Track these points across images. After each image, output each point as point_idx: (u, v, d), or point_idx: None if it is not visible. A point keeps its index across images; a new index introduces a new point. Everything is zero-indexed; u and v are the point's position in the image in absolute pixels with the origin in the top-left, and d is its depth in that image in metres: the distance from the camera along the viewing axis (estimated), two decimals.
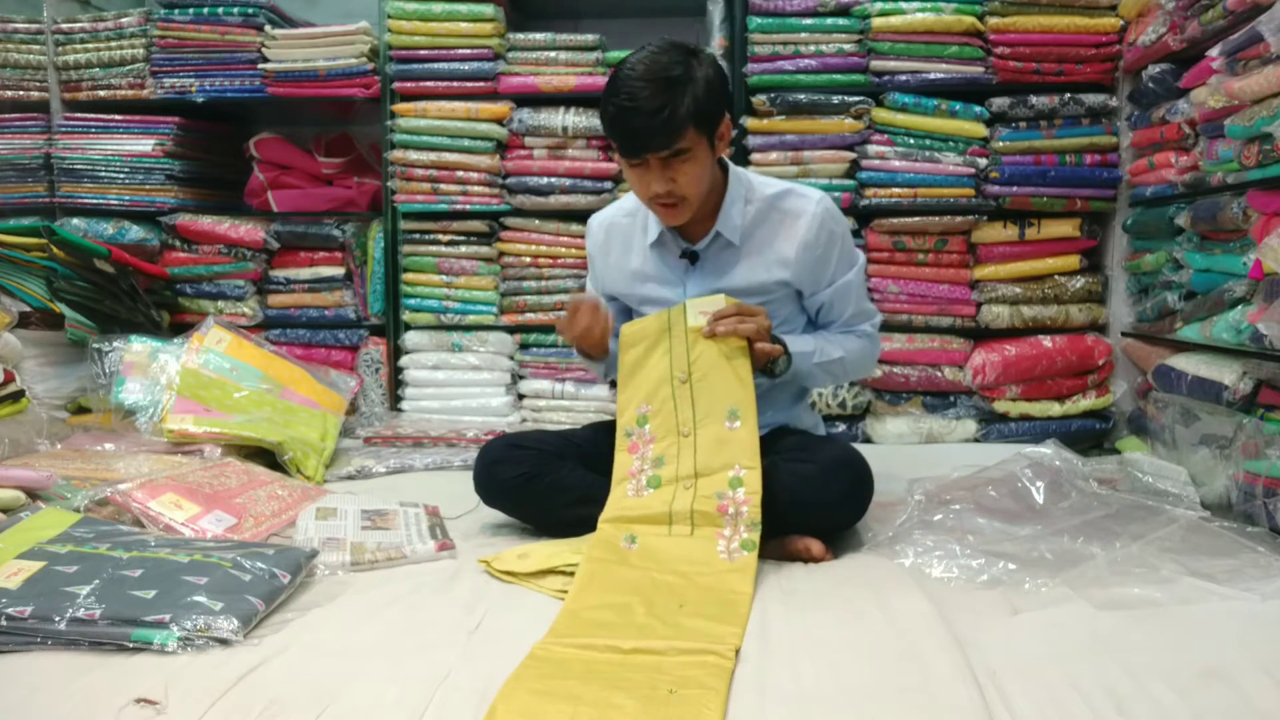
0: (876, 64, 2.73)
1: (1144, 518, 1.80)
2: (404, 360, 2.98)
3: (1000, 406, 2.75)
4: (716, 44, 2.81)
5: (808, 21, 2.74)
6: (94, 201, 3.00)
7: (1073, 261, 2.77)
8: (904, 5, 2.68)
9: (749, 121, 2.77)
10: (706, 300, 1.73)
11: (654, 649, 1.27)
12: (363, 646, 1.30)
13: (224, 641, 1.27)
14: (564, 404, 2.92)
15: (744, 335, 1.69)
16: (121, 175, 2.99)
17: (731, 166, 1.85)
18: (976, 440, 2.76)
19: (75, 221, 2.96)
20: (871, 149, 2.75)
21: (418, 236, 2.95)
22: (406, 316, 3.00)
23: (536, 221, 2.92)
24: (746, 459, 1.63)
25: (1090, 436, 2.75)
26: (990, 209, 2.74)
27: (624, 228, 1.93)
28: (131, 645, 1.25)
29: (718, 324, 1.68)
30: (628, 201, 1.94)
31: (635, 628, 1.34)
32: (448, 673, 1.20)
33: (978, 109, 2.70)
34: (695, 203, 1.74)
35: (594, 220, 2.00)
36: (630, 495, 1.66)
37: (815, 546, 1.67)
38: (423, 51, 2.87)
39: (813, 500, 1.68)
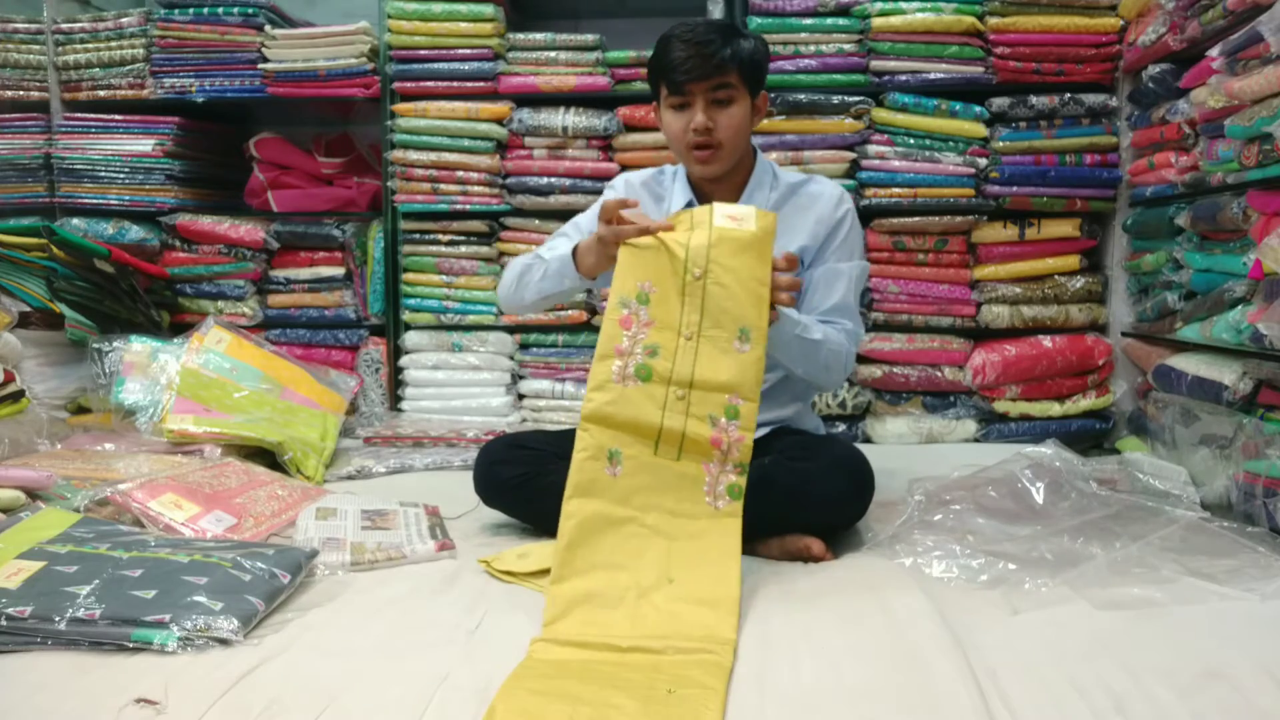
0: (876, 64, 2.73)
1: (1144, 518, 1.80)
2: (404, 360, 2.98)
3: (1000, 406, 2.75)
4: None
5: (808, 21, 2.74)
6: (94, 201, 3.00)
7: (1073, 261, 2.77)
8: (904, 5, 2.68)
9: None
10: (737, 208, 1.56)
11: (652, 648, 1.26)
12: (363, 646, 1.30)
13: (224, 641, 1.26)
14: (564, 404, 2.92)
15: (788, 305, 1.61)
16: (121, 175, 2.99)
17: (759, 152, 1.90)
18: (976, 440, 2.76)
19: (75, 221, 2.96)
20: (871, 149, 2.75)
21: (418, 236, 2.95)
22: (406, 316, 3.00)
23: (536, 221, 2.92)
24: (748, 390, 1.50)
25: (1090, 436, 2.75)
26: (990, 209, 2.74)
27: (651, 189, 1.96)
28: (131, 645, 1.25)
29: (779, 292, 1.56)
30: (652, 169, 1.99)
31: (629, 619, 1.31)
32: (448, 673, 1.20)
33: (978, 109, 2.70)
34: (729, 156, 1.79)
35: (619, 178, 2.01)
36: (614, 378, 1.50)
37: (815, 546, 1.67)
38: (423, 51, 2.87)
39: (814, 499, 1.68)
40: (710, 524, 1.47)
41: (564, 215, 2.89)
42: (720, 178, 1.84)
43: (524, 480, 1.80)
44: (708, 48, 1.71)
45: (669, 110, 1.79)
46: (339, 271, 3.03)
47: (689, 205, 1.86)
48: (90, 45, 3.00)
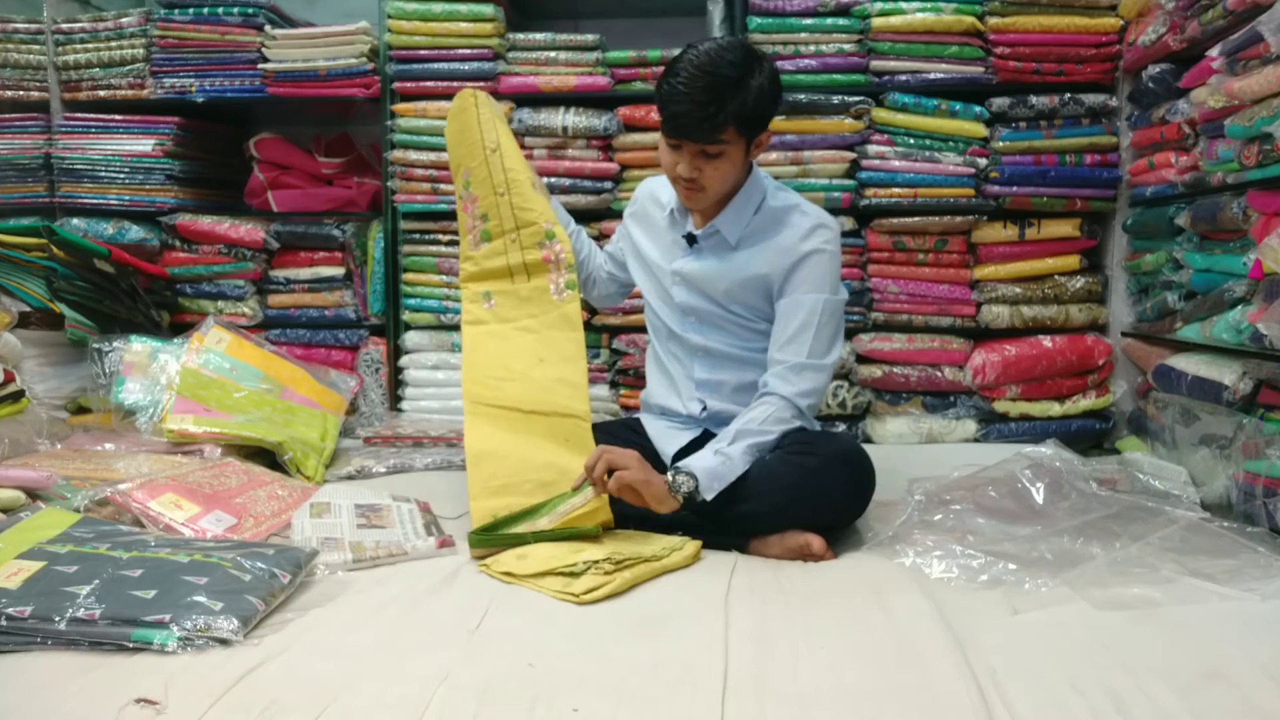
0: (876, 64, 2.73)
1: (1144, 518, 1.80)
2: (404, 360, 2.98)
3: (1000, 406, 2.75)
4: None
5: (808, 21, 2.74)
6: (94, 201, 3.00)
7: (1073, 261, 2.77)
8: (904, 5, 2.68)
9: None
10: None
11: (541, 411, 1.85)
12: (363, 646, 1.30)
13: (224, 641, 1.27)
14: None
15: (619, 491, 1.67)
16: (121, 175, 2.99)
17: (754, 170, 1.91)
18: (976, 440, 2.76)
19: (75, 221, 2.96)
20: (871, 149, 2.75)
21: (418, 236, 2.95)
22: (406, 316, 3.00)
23: None
24: (549, 215, 2.02)
25: (1090, 436, 2.75)
26: (990, 209, 2.74)
27: (663, 196, 2.00)
28: (131, 645, 1.25)
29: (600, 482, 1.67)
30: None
31: (520, 392, 1.88)
32: (448, 673, 1.20)
33: (978, 109, 2.70)
34: (713, 196, 1.84)
35: (647, 180, 2.11)
36: (471, 247, 2.06)
37: (816, 543, 1.67)
38: (423, 51, 2.87)
39: (816, 493, 1.68)
40: (559, 313, 1.98)
41: None
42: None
43: None
44: (704, 109, 1.68)
45: (663, 140, 1.81)
46: (339, 271, 3.03)
47: (674, 210, 1.95)
48: (90, 45, 3.00)
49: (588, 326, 2.92)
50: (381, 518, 1.82)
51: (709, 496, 1.67)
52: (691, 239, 1.92)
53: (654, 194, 2.04)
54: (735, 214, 1.88)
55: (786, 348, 1.82)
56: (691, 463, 1.70)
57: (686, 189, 1.82)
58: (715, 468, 1.69)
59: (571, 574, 1.53)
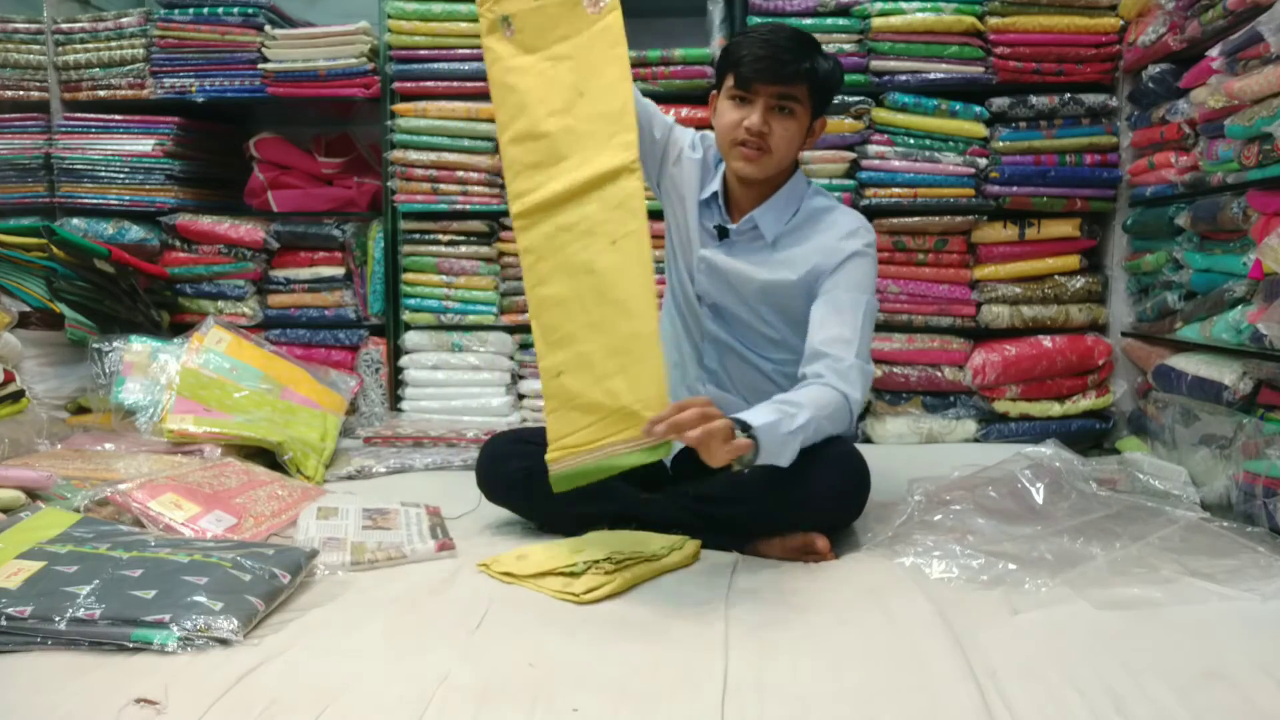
0: (876, 64, 2.73)
1: (1144, 518, 1.80)
2: (404, 360, 2.98)
3: (1000, 406, 2.75)
4: (716, 44, 2.80)
5: (808, 21, 2.74)
6: (94, 201, 3.00)
7: (1073, 261, 2.77)
8: (904, 5, 2.68)
9: None
10: None
11: (584, 185, 1.55)
12: (363, 646, 1.30)
13: (224, 641, 1.27)
14: None
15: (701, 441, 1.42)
16: (121, 175, 2.99)
17: (799, 173, 1.91)
18: (976, 440, 2.76)
19: (75, 221, 2.96)
20: (871, 149, 2.75)
21: (418, 236, 2.95)
22: (406, 316, 3.00)
23: None
24: None
25: (1090, 436, 2.75)
26: (990, 209, 2.74)
27: (708, 159, 1.93)
28: (131, 645, 1.25)
29: (689, 433, 1.41)
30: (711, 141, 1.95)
31: (564, 172, 1.57)
32: (448, 673, 1.20)
33: (978, 109, 2.70)
34: (774, 164, 1.80)
35: (703, 134, 1.97)
36: None
37: (820, 541, 1.67)
38: (423, 51, 2.87)
39: (811, 495, 1.67)
40: (598, 27, 1.60)
41: None
42: (752, 181, 1.83)
43: (527, 475, 1.79)
44: (785, 54, 1.72)
45: (728, 100, 1.78)
46: (339, 271, 3.03)
47: (713, 196, 1.88)
48: (90, 45, 3.00)
49: None
50: (388, 520, 1.82)
51: (758, 462, 1.51)
52: (723, 232, 1.87)
53: (710, 153, 1.92)
54: (777, 210, 1.85)
55: (837, 344, 1.70)
56: (761, 437, 1.49)
57: (751, 146, 1.75)
58: (777, 447, 1.52)
59: (571, 574, 1.53)
